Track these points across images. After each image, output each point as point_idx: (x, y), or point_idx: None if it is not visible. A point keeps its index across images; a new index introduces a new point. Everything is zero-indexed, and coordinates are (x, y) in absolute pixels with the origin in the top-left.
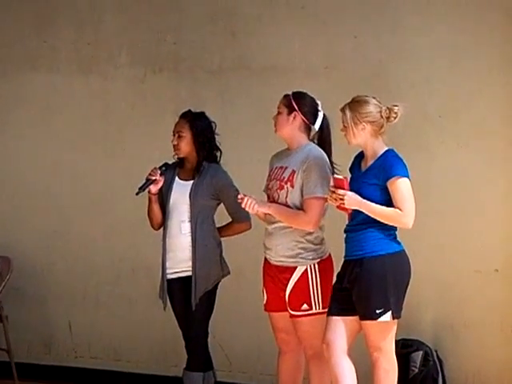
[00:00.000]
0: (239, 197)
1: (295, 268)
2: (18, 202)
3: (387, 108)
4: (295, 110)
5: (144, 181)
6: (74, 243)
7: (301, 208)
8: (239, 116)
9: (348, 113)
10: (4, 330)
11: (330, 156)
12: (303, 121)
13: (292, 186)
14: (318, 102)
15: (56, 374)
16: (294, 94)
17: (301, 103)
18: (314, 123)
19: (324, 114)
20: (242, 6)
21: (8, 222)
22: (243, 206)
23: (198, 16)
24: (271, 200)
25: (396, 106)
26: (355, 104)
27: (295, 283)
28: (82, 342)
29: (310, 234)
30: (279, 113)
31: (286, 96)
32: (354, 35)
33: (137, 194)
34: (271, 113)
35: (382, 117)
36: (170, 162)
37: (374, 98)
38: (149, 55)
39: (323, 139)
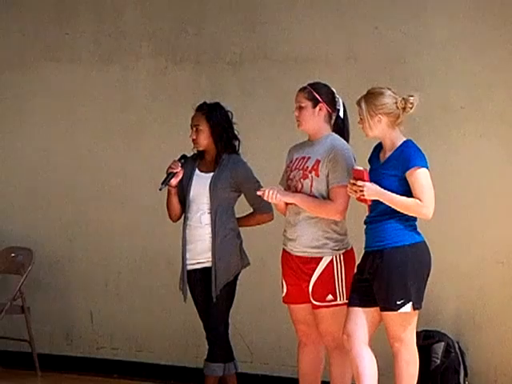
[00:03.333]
0: (259, 193)
1: (321, 258)
2: (39, 193)
3: (403, 98)
4: (320, 102)
5: (165, 175)
6: (95, 234)
7: (326, 197)
8: (259, 107)
9: (363, 105)
10: (26, 322)
11: (347, 142)
12: (327, 111)
13: (317, 175)
14: (333, 89)
15: (77, 364)
16: (312, 85)
17: (323, 93)
18: (336, 111)
19: (342, 101)
20: None
21: (29, 214)
22: (265, 198)
23: (218, 7)
24: (293, 191)
25: (412, 96)
26: (370, 96)
27: (320, 274)
28: (103, 333)
29: (335, 224)
30: (302, 107)
31: (303, 89)
32: (375, 26)
33: (160, 189)
34: (292, 103)
35: (397, 108)
36: (189, 154)
37: (389, 89)
38: (169, 46)
39: (344, 125)
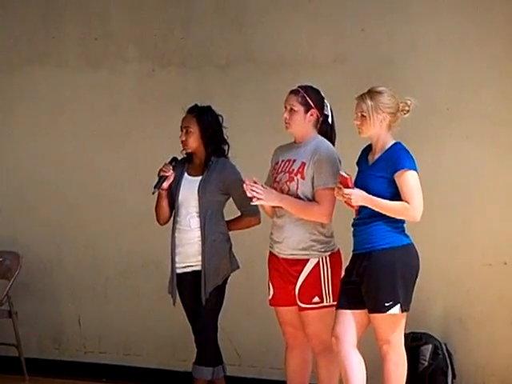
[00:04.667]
0: (246, 183)
1: (307, 260)
2: (26, 197)
3: (402, 101)
4: (312, 108)
5: (157, 178)
6: (83, 238)
7: (312, 200)
8: (247, 109)
9: (369, 102)
10: (13, 326)
11: (333, 145)
12: (317, 116)
13: (303, 178)
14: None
15: (65, 369)
16: (305, 89)
17: (315, 99)
18: (323, 116)
19: (330, 105)
20: (249, 0)
21: (16, 218)
22: (249, 193)
23: (205, 10)
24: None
25: (409, 99)
26: (377, 94)
27: (307, 276)
28: (91, 337)
29: (322, 226)
30: (294, 111)
31: (296, 92)
32: (362, 28)
33: (153, 193)
34: (279, 106)
35: (398, 109)
36: (179, 158)
37: (390, 89)
38: (157, 50)
39: (332, 130)
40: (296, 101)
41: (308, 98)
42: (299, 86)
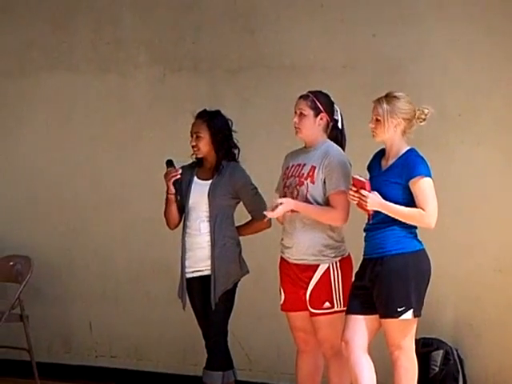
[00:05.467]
0: (266, 218)
1: (317, 266)
2: (37, 201)
3: (419, 108)
4: (322, 112)
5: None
6: (93, 242)
7: (322, 204)
8: (257, 115)
9: (385, 106)
10: (25, 330)
11: (344, 150)
12: (327, 121)
13: (312, 182)
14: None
15: (76, 373)
16: (315, 94)
17: (325, 104)
18: (333, 121)
19: (340, 109)
20: (260, 4)
21: (27, 222)
22: (271, 216)
23: (216, 15)
24: (289, 198)
25: (427, 108)
26: (393, 99)
27: (317, 281)
28: (102, 342)
29: (332, 230)
30: (303, 115)
31: (306, 97)
32: (373, 34)
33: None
34: (290, 111)
35: (414, 116)
36: (183, 162)
37: (406, 95)
38: (168, 54)
39: (342, 135)
40: (306, 105)
41: (318, 102)
42: (309, 91)
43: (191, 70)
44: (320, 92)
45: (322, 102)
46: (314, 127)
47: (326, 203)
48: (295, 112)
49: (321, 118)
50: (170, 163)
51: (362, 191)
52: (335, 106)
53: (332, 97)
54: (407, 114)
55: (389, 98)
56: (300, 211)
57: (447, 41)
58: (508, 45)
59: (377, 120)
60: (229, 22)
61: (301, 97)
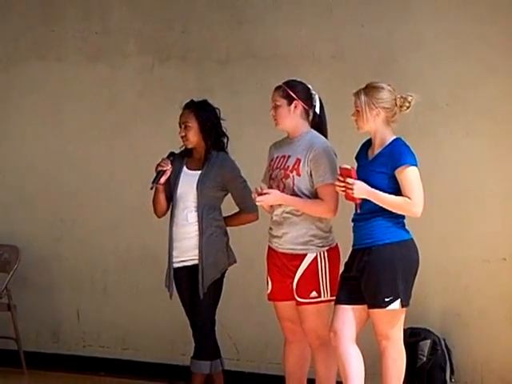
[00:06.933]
0: (253, 196)
1: (305, 255)
2: (25, 191)
3: (401, 96)
4: (295, 99)
5: (155, 174)
6: (81, 232)
7: (308, 196)
8: (246, 104)
9: (363, 97)
10: (12, 319)
11: (326, 138)
12: (303, 108)
13: (298, 175)
14: (309, 86)
15: (64, 362)
16: (286, 83)
17: (298, 91)
18: (312, 107)
19: (318, 96)
20: None
21: (15, 212)
22: (257, 203)
23: (205, 5)
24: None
25: (410, 95)
26: (371, 89)
27: (304, 270)
28: (90, 331)
29: (320, 221)
30: (278, 106)
31: (279, 88)
32: (361, 24)
33: (151, 188)
34: None
35: (396, 104)
36: (177, 152)
37: (388, 85)
38: (156, 44)
39: (321, 121)
40: (278, 95)
41: (289, 91)
42: (282, 82)
43: (180, 60)
44: (293, 80)
45: (294, 90)
46: (289, 116)
47: (314, 195)
48: (271, 105)
49: (295, 106)
50: (170, 155)
51: (349, 179)
52: (312, 91)
53: (321, 87)
54: (387, 103)
55: (367, 88)
56: (291, 205)
57: (436, 31)
58: (496, 36)
59: (357, 111)
60: (218, 12)
61: (275, 89)
